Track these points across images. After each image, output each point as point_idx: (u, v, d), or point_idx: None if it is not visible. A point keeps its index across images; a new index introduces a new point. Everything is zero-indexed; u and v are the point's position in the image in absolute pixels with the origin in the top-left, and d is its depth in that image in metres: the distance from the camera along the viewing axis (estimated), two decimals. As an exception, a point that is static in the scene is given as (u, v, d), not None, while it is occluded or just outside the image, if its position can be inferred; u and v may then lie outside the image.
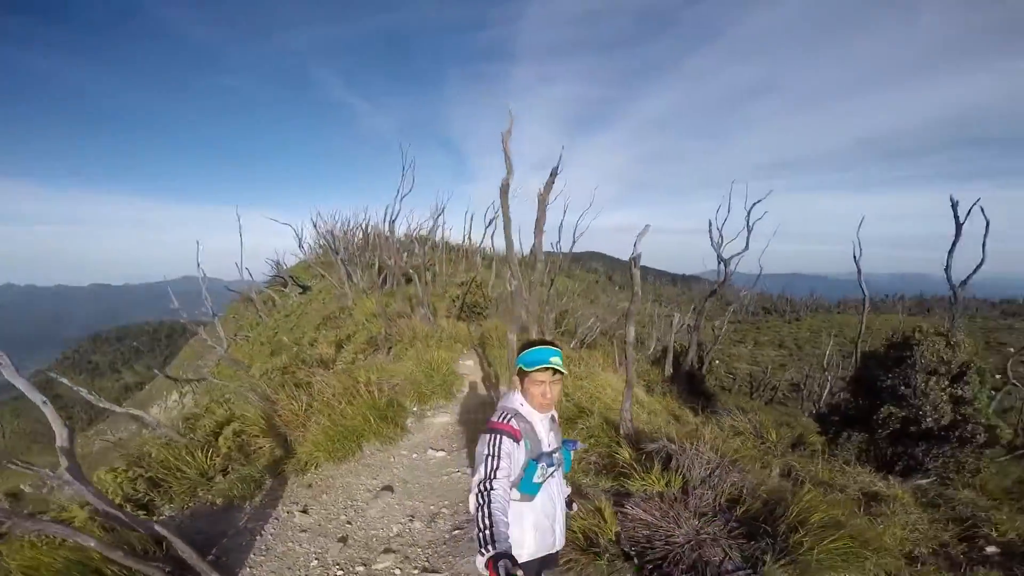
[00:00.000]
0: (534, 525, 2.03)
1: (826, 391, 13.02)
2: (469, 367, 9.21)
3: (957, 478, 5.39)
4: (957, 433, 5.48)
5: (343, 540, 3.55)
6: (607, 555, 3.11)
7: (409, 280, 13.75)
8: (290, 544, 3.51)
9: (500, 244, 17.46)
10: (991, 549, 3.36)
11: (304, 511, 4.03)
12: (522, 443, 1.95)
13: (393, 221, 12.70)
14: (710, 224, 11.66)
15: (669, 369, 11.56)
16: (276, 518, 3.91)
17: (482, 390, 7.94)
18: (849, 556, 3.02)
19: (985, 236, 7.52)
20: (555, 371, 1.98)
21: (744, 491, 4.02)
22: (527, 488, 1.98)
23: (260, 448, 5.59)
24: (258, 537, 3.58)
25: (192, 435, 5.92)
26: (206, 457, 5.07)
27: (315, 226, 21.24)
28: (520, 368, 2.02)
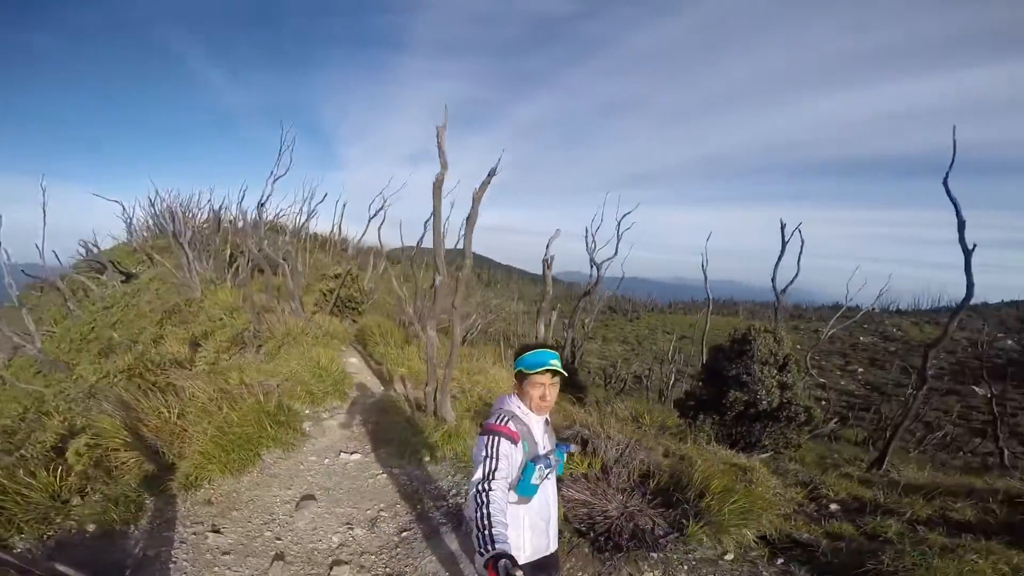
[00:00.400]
0: (531, 527, 2.05)
1: (671, 381, 15.20)
2: (354, 365, 8.82)
3: (786, 452, 6.81)
4: (784, 414, 6.91)
5: (280, 558, 3.22)
6: (565, 534, 3.36)
7: (274, 268, 12.41)
8: (216, 569, 3.07)
9: (386, 237, 16.74)
10: (834, 507, 4.43)
11: (216, 531, 3.54)
12: (519, 445, 1.97)
13: (263, 204, 11.34)
14: (586, 231, 12.79)
15: (547, 363, 12.37)
16: (183, 541, 3.37)
17: (374, 389, 7.68)
18: (747, 514, 3.71)
19: (800, 253, 9.57)
20: (554, 373, 2.03)
21: (651, 467, 4.63)
22: (525, 490, 2.00)
23: (124, 463, 4.71)
24: (171, 564, 3.06)
25: (20, 451, 4.68)
26: (54, 477, 4.11)
27: (152, 203, 17.86)
28: (520, 371, 2.05)
